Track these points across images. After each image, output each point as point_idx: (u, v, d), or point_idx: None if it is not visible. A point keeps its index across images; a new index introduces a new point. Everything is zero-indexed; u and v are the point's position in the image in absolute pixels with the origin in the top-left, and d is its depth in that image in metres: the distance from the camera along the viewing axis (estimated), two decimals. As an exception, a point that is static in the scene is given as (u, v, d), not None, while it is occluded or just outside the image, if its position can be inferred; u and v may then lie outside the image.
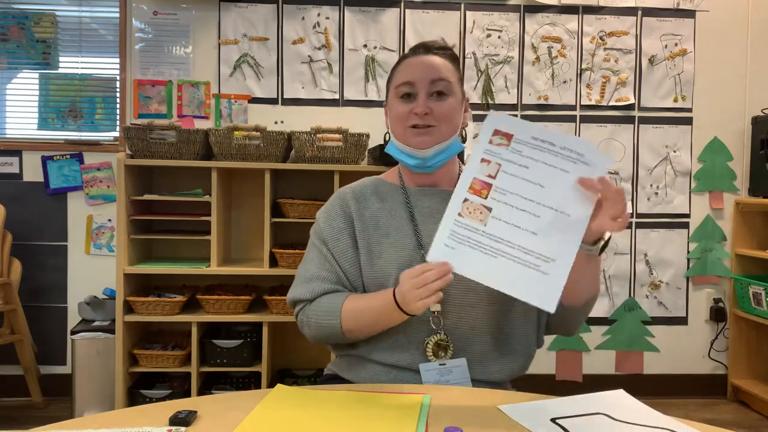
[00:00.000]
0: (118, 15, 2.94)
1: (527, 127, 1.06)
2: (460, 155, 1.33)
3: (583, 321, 1.31)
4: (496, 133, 1.06)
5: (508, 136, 1.06)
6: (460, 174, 1.33)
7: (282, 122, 2.97)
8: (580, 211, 1.03)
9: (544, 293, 1.01)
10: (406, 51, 1.32)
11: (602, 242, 1.09)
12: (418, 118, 1.23)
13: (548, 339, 3.10)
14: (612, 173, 3.12)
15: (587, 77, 3.10)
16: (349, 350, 1.26)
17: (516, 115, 3.07)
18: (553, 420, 0.93)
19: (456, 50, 3.01)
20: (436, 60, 1.26)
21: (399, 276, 1.20)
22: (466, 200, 1.05)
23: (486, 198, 1.04)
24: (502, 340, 1.22)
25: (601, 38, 3.09)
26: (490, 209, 1.04)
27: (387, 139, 1.34)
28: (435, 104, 1.23)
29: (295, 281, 1.30)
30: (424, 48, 1.28)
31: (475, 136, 3.08)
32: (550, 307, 1.00)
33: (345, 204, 1.30)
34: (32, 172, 2.92)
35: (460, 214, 1.05)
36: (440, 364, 1.17)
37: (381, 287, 1.22)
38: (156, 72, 2.95)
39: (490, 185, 1.04)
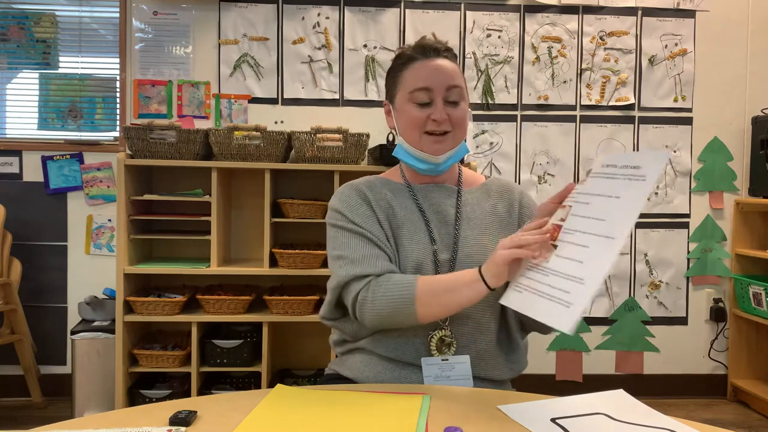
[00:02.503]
0: (118, 15, 2.94)
1: (604, 157, 1.03)
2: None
3: None
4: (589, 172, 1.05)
5: (588, 172, 1.05)
6: (460, 174, 1.34)
7: (282, 122, 2.97)
8: (623, 231, 0.96)
9: (566, 316, 0.94)
10: (410, 49, 1.28)
11: None
12: (435, 124, 1.23)
13: (548, 339, 3.10)
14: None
15: (587, 77, 3.10)
16: (353, 344, 1.26)
17: (516, 115, 3.07)
18: (553, 420, 0.93)
19: (456, 50, 3.01)
20: (448, 65, 1.25)
21: (413, 270, 1.19)
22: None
23: (555, 240, 1.03)
24: (505, 339, 1.23)
25: (601, 38, 3.09)
26: (555, 246, 1.02)
27: (390, 139, 1.34)
28: (451, 110, 1.24)
29: (339, 265, 1.21)
30: (434, 50, 1.26)
31: (476, 136, 3.08)
32: (570, 330, 0.93)
33: (361, 192, 1.28)
34: (32, 172, 2.92)
35: (534, 257, 1.03)
36: (443, 360, 1.17)
37: None
38: (156, 72, 2.95)
39: (560, 227, 1.03)
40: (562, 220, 1.03)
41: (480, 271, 1.08)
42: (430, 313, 1.13)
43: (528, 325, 1.30)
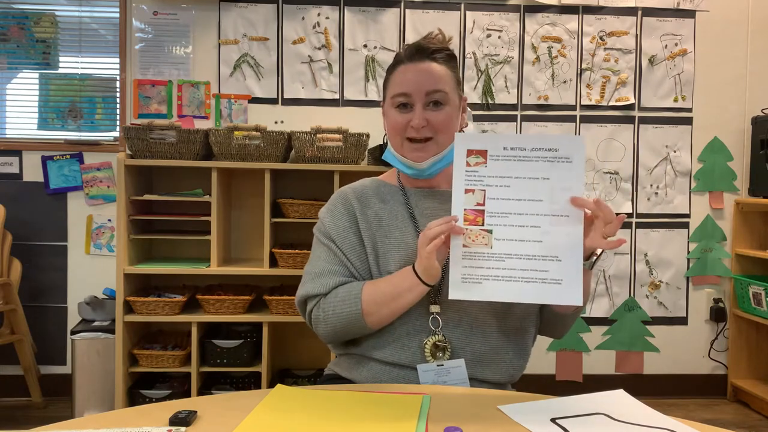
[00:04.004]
0: (118, 15, 2.94)
1: (497, 140, 1.07)
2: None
3: (572, 325, 1.32)
4: (470, 153, 1.07)
5: (483, 153, 1.07)
6: None
7: (282, 122, 2.97)
8: (574, 208, 1.06)
9: (566, 290, 1.05)
10: (402, 50, 1.28)
11: (594, 258, 1.13)
12: (414, 131, 1.23)
13: (548, 339, 3.10)
14: (612, 173, 3.12)
15: (587, 77, 3.10)
16: (350, 349, 1.26)
17: (516, 115, 3.07)
18: (553, 420, 0.93)
19: (456, 50, 3.00)
20: (433, 68, 1.24)
21: None
22: (468, 231, 1.06)
23: (483, 224, 1.06)
24: (501, 341, 1.22)
25: (601, 38, 3.09)
26: (490, 231, 1.06)
27: (385, 142, 1.34)
28: (432, 115, 1.23)
29: (303, 280, 1.27)
30: (420, 52, 1.24)
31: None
32: (578, 300, 1.05)
33: (348, 203, 1.30)
34: (32, 172, 2.92)
35: (465, 245, 1.06)
36: (438, 365, 1.17)
37: None
38: (156, 72, 2.95)
39: (482, 211, 1.06)
40: (479, 204, 1.06)
41: (416, 273, 1.13)
42: (379, 321, 1.19)
43: (545, 329, 1.31)
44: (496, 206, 1.06)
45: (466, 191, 1.06)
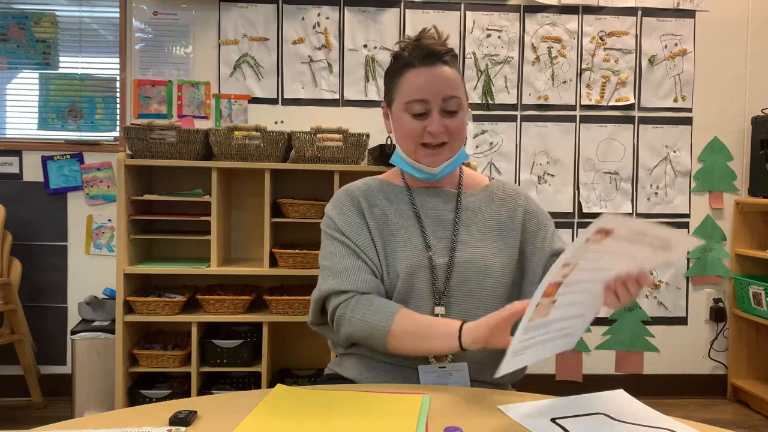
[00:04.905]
0: (118, 15, 2.94)
1: (632, 224, 0.87)
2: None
3: None
4: (599, 231, 0.86)
5: (607, 232, 0.86)
6: (461, 175, 1.33)
7: (282, 122, 2.97)
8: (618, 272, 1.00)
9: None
10: (408, 50, 1.23)
11: None
12: (432, 137, 1.21)
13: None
14: (612, 173, 3.12)
15: (587, 77, 3.10)
16: (352, 349, 1.25)
17: (516, 115, 3.07)
18: (553, 420, 0.93)
19: (456, 50, 3.01)
20: (446, 72, 1.21)
21: (407, 275, 1.20)
22: (538, 305, 0.91)
23: (554, 295, 0.91)
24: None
25: (601, 38, 3.09)
26: (554, 301, 0.93)
27: (388, 142, 1.33)
28: (448, 121, 1.22)
29: (322, 276, 1.24)
30: (430, 55, 1.21)
31: (476, 136, 3.08)
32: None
33: (355, 200, 1.29)
34: (32, 172, 2.92)
35: (530, 320, 0.91)
36: (440, 367, 1.17)
37: (390, 286, 1.22)
38: (156, 72, 2.95)
39: (560, 283, 0.90)
40: (565, 275, 0.90)
41: (461, 329, 1.09)
42: (399, 349, 1.15)
43: None
44: (577, 276, 0.90)
45: (564, 265, 0.88)
